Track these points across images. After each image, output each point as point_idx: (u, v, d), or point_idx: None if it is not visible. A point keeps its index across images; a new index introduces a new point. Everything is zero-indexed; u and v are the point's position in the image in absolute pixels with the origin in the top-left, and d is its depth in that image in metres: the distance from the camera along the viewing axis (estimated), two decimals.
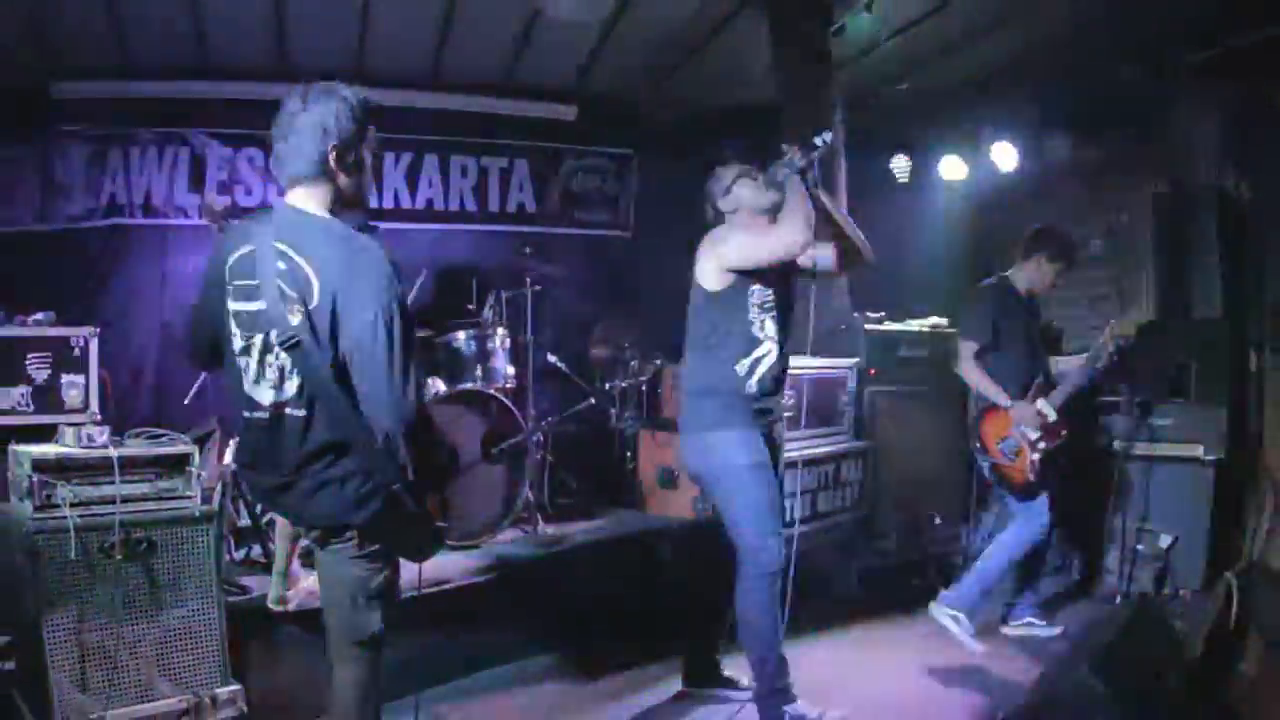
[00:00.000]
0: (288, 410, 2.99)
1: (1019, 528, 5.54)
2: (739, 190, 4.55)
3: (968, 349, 5.65)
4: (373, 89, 3.19)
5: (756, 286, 4.41)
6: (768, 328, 4.44)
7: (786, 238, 4.23)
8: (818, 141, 4.24)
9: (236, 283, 3.04)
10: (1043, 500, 5.52)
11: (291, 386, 2.97)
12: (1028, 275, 5.75)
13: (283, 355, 2.94)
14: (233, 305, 3.05)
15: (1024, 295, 5.77)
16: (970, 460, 5.92)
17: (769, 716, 4.38)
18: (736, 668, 4.91)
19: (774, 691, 4.38)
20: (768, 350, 4.43)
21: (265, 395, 3.02)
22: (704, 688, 4.95)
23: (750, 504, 4.37)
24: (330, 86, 3.03)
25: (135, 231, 6.80)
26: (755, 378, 4.41)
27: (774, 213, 4.45)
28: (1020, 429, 5.51)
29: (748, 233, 4.45)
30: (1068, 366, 5.80)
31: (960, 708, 4.75)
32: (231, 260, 3.06)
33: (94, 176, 6.65)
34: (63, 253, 6.52)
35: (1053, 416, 5.51)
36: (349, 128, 3.02)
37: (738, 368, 4.39)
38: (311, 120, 2.97)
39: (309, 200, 3.03)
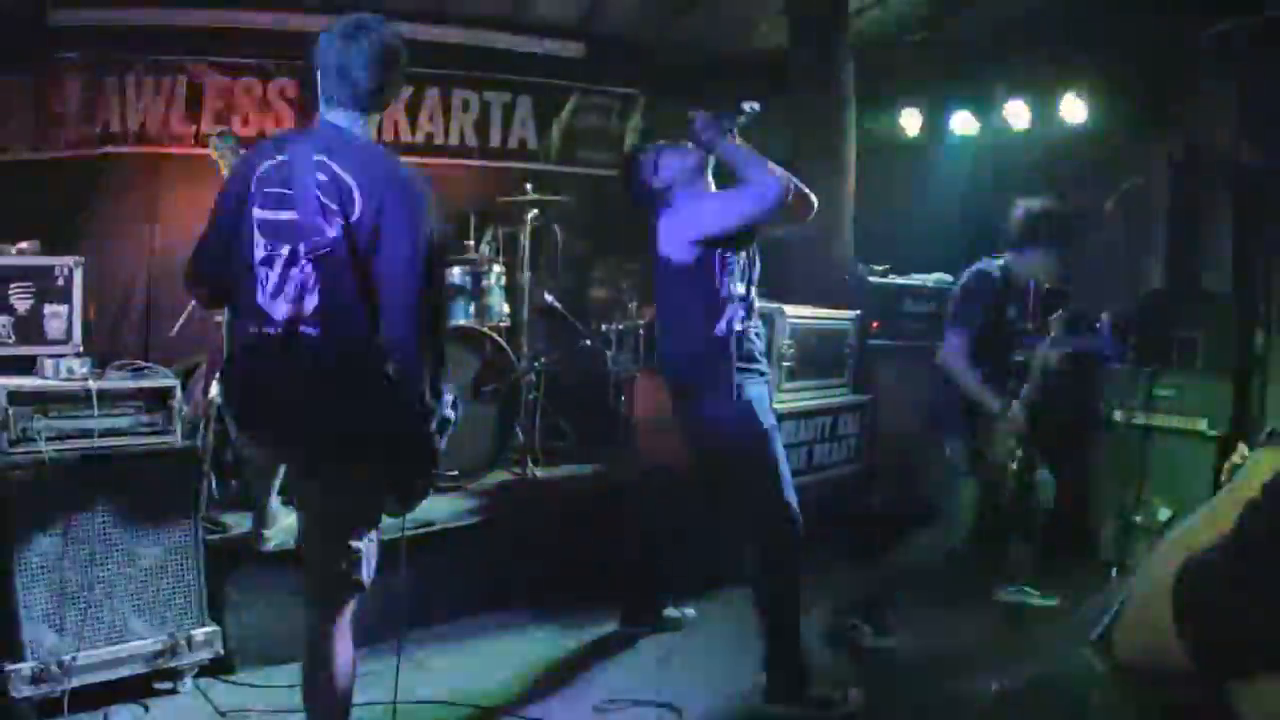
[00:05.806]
0: (301, 328, 2.94)
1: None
2: (667, 159, 4.36)
3: (962, 340, 5.08)
4: None
5: (724, 250, 4.18)
6: (736, 289, 4.24)
7: (761, 190, 4.03)
8: (745, 108, 4.11)
9: (266, 190, 2.99)
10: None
11: (310, 303, 2.93)
12: (1028, 263, 5.14)
13: (308, 268, 2.91)
14: (259, 214, 3.00)
15: (1021, 282, 5.19)
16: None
17: (792, 703, 4.17)
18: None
19: (798, 675, 4.21)
20: (735, 311, 4.24)
21: (281, 310, 2.95)
22: (642, 626, 4.99)
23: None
24: (380, 22, 3.03)
25: (127, 160, 6.70)
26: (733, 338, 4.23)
27: (702, 172, 4.34)
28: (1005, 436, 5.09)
29: (718, 196, 4.29)
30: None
31: (954, 676, 4.62)
32: (261, 169, 3.02)
33: (90, 105, 6.55)
34: (55, 182, 6.42)
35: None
36: (396, 68, 3.05)
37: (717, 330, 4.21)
38: (367, 51, 2.96)
39: (351, 124, 3.03)
